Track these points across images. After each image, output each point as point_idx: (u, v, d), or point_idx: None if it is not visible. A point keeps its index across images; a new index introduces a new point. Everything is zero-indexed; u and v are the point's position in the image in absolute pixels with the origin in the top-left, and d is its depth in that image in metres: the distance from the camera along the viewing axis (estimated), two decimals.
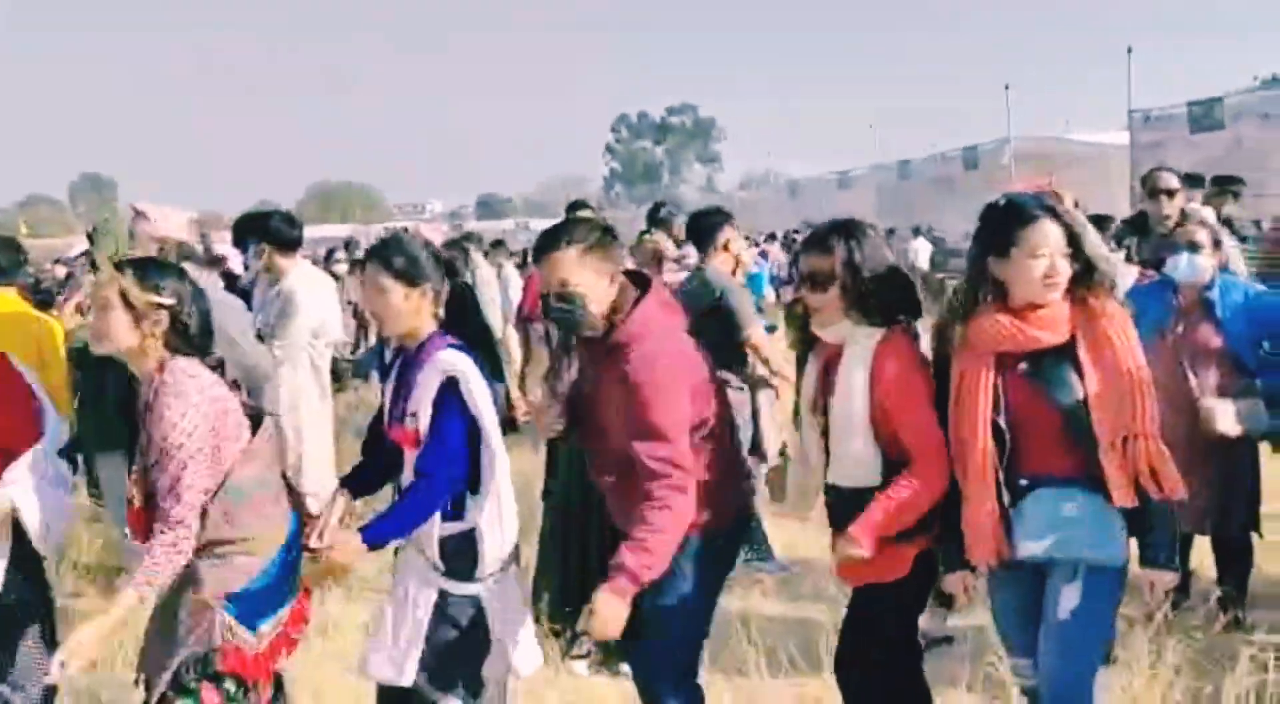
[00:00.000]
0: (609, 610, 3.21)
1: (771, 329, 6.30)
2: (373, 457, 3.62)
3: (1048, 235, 3.19)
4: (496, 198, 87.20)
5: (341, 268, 14.25)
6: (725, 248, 5.76)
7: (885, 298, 3.39)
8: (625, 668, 4.97)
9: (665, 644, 3.52)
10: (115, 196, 74.23)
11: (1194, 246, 4.95)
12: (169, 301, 3.21)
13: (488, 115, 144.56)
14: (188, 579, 3.19)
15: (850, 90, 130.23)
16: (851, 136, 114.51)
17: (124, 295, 3.18)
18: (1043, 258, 3.19)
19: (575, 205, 7.05)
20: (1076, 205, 4.73)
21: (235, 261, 7.13)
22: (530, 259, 13.89)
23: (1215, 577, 5.12)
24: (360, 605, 5.20)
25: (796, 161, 77.58)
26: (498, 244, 13.06)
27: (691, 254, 6.08)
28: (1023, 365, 3.23)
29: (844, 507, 3.38)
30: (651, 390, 3.30)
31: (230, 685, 3.25)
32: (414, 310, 3.40)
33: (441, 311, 3.45)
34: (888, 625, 3.50)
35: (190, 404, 3.10)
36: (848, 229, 3.43)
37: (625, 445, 3.34)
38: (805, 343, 3.58)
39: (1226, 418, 4.73)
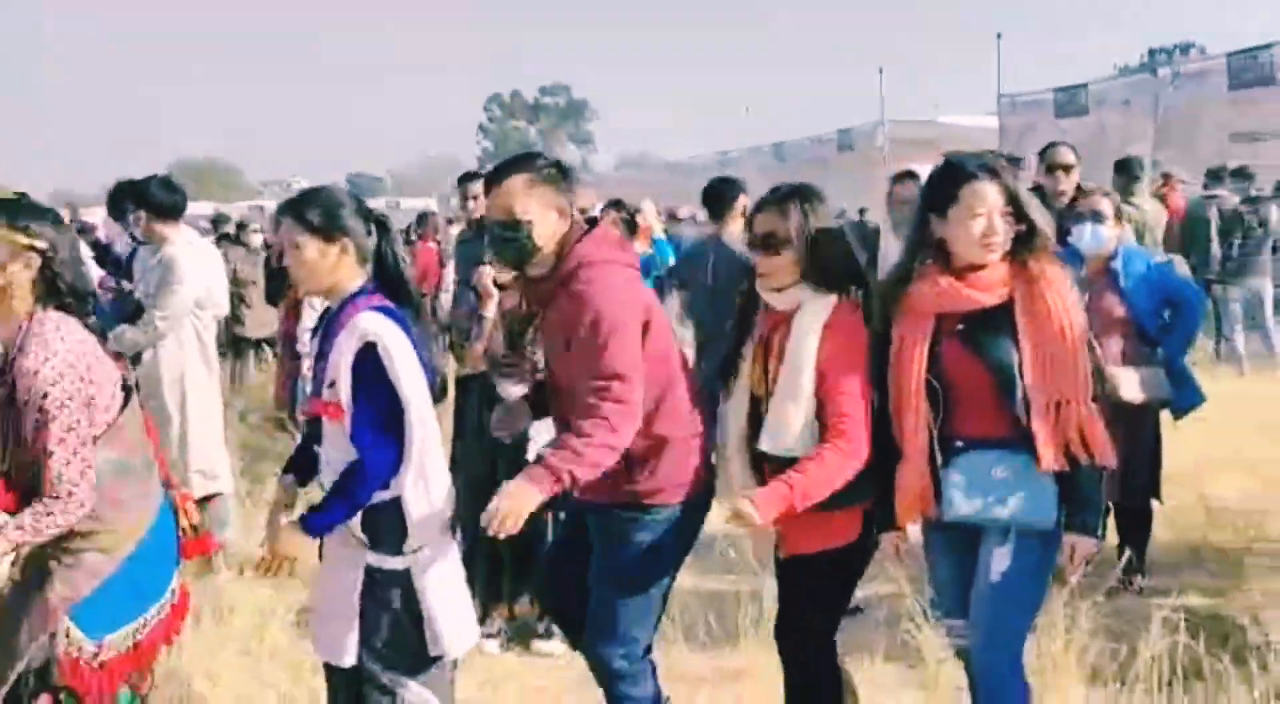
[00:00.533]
0: (518, 497, 3.13)
1: None
2: (310, 434, 3.39)
3: (985, 195, 3.16)
4: (366, 176, 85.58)
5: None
6: (741, 214, 5.85)
7: (839, 266, 3.35)
8: (539, 645, 4.86)
9: (623, 610, 3.42)
10: None
11: (1098, 217, 5.03)
12: (40, 245, 2.97)
13: (355, 93, 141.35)
14: (35, 580, 2.94)
15: (725, 73, 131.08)
16: (728, 119, 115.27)
17: None
18: (980, 217, 3.16)
19: (465, 177, 6.87)
20: None
21: (107, 232, 6.78)
22: (412, 237, 13.62)
23: (1117, 543, 5.22)
24: (254, 586, 4.96)
25: (673, 143, 77.94)
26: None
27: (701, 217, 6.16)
28: (960, 326, 3.20)
29: (775, 471, 3.29)
30: (605, 310, 3.25)
31: (65, 700, 2.99)
32: (331, 267, 3.14)
33: (369, 267, 3.19)
34: (832, 593, 3.45)
35: (51, 351, 2.87)
36: (804, 193, 3.39)
37: (581, 373, 3.25)
38: (749, 307, 3.49)
39: (1130, 386, 4.81)
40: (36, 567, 2.97)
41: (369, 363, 3.04)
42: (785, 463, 3.29)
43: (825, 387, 3.27)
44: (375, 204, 10.71)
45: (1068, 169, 5.96)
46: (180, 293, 5.43)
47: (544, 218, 3.37)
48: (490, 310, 4.93)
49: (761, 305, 3.47)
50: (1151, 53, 34.64)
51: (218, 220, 17.56)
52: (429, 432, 3.13)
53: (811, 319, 3.32)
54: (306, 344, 6.61)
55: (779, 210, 3.37)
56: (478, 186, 6.88)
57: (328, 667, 3.27)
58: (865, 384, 3.28)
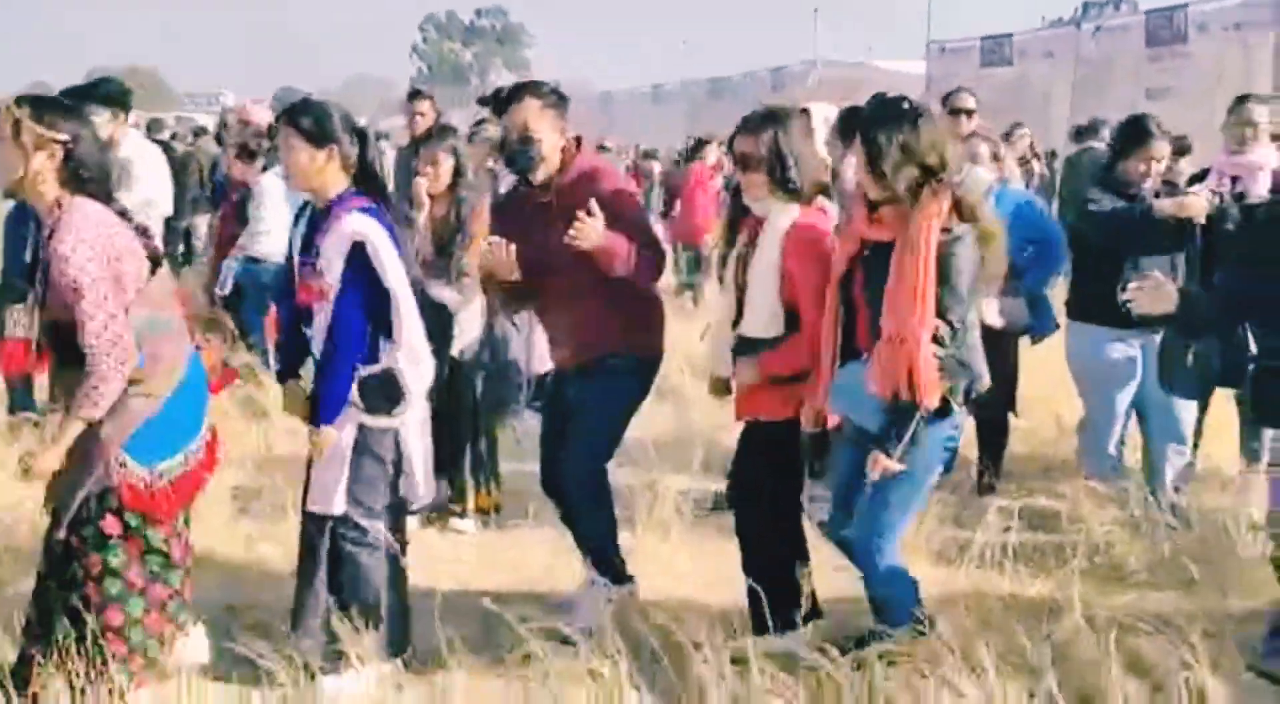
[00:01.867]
0: None
1: None
2: (289, 323, 3.91)
3: None
4: (295, 92, 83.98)
5: None
6: None
7: (804, 179, 3.88)
8: (456, 523, 5.38)
9: (591, 436, 4.17)
10: None
11: (974, 159, 5.58)
12: (62, 137, 3.32)
13: (282, 8, 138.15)
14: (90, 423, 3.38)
15: (663, 7, 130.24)
16: (663, 51, 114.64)
17: (16, 127, 3.28)
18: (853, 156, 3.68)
19: (413, 94, 7.30)
20: None
21: None
22: None
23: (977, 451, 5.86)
24: None
25: (608, 73, 77.65)
26: None
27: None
28: (866, 254, 3.71)
29: (750, 352, 3.94)
30: (626, 189, 4.21)
31: (132, 519, 3.47)
32: (319, 169, 3.64)
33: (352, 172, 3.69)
34: (779, 456, 4.01)
35: (80, 238, 3.24)
36: (776, 117, 3.93)
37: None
38: (735, 216, 4.10)
39: (991, 312, 5.39)
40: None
41: (359, 258, 3.57)
42: (758, 342, 3.91)
43: (791, 283, 3.86)
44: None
45: (969, 113, 6.53)
46: (135, 192, 5.79)
47: (551, 137, 4.12)
48: (421, 219, 5.38)
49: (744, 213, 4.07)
50: (1085, 6, 35.22)
51: (151, 126, 17.56)
52: (413, 316, 3.67)
53: (778, 224, 3.88)
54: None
55: (753, 133, 3.91)
56: (425, 105, 7.33)
57: (308, 516, 3.78)
58: (823, 279, 3.83)
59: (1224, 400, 5.82)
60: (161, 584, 3.54)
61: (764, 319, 3.92)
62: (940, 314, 3.54)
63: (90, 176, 3.37)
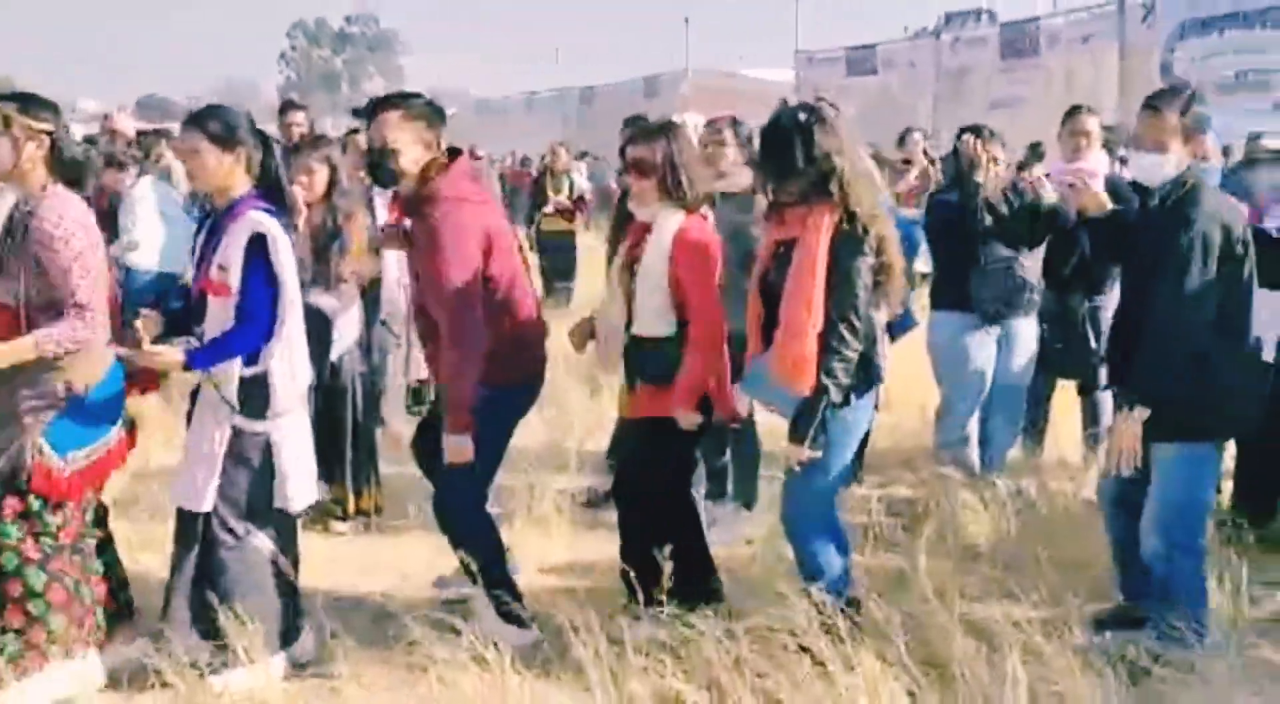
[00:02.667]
0: (456, 447, 3.99)
1: None
2: (182, 310, 3.98)
3: None
4: (159, 99, 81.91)
5: None
6: None
7: (693, 188, 4.13)
8: (336, 526, 5.48)
9: (458, 474, 4.12)
10: None
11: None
12: (49, 128, 3.64)
13: (144, 13, 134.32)
14: (6, 402, 3.57)
15: (537, 17, 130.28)
16: (537, 63, 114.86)
17: (6, 121, 3.59)
18: None
19: (286, 105, 7.34)
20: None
21: None
22: None
23: None
24: None
25: (483, 82, 77.35)
26: None
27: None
28: (779, 251, 3.93)
29: (641, 351, 4.16)
30: (446, 242, 3.95)
31: (34, 502, 3.64)
32: (226, 172, 3.76)
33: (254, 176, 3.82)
34: (670, 454, 4.23)
35: (66, 215, 3.62)
36: (669, 129, 4.20)
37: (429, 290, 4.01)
38: (621, 220, 4.32)
39: None
40: (8, 390, 3.60)
41: (259, 251, 3.69)
42: (647, 340, 4.12)
43: (680, 284, 4.08)
44: (172, 127, 10.50)
45: None
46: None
47: (412, 148, 4.06)
48: (300, 225, 5.46)
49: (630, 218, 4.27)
50: (947, 17, 36.37)
51: None
52: (298, 316, 3.79)
53: (666, 228, 4.10)
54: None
55: (648, 143, 4.13)
56: (299, 116, 7.38)
57: (181, 516, 3.85)
58: (710, 280, 4.12)
59: (1067, 391, 6.24)
60: (62, 561, 3.73)
61: (654, 319, 4.13)
62: (839, 313, 3.74)
63: (69, 165, 3.70)
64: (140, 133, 9.24)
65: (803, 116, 3.89)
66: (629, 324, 4.21)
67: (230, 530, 3.81)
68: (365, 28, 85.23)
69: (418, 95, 4.25)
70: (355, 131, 6.89)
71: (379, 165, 4.11)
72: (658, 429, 4.17)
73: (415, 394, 6.92)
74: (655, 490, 4.25)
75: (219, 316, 3.73)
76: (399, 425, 6.33)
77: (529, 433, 5.16)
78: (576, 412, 7.01)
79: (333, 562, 4.95)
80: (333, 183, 5.44)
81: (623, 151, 4.34)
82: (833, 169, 3.79)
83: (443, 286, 3.96)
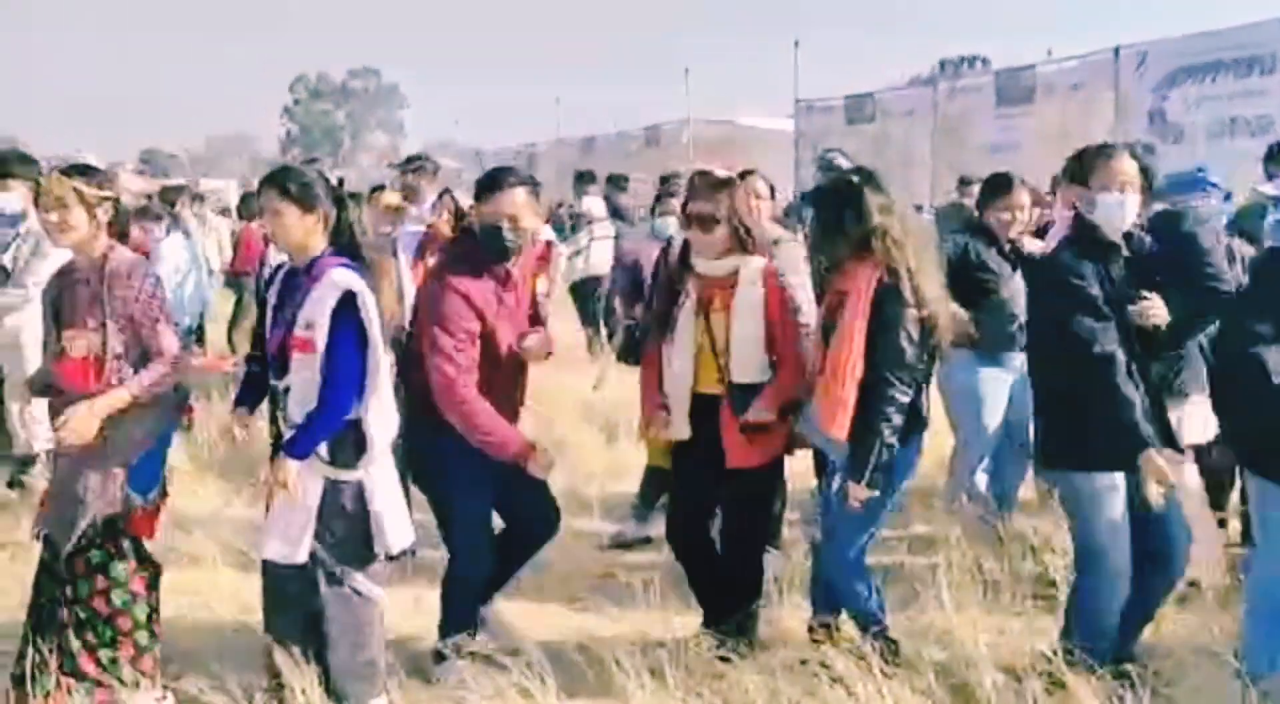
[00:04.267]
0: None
1: None
2: (254, 369, 4.16)
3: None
4: (160, 153, 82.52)
5: None
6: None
7: (755, 236, 4.36)
8: None
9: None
10: None
11: None
12: (111, 194, 3.95)
13: (143, 67, 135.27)
14: (99, 450, 3.84)
15: (535, 65, 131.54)
16: (536, 115, 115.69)
17: (78, 193, 3.88)
18: None
19: (311, 160, 7.51)
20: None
21: None
22: (238, 215, 13.89)
23: None
24: None
25: (482, 133, 78.17)
26: (200, 197, 13.02)
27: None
28: (837, 302, 4.14)
29: (743, 397, 4.26)
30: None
31: (126, 541, 3.98)
32: (307, 231, 3.86)
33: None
34: (769, 502, 4.47)
35: (144, 273, 3.99)
36: (730, 183, 4.39)
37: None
38: (680, 277, 4.39)
39: None
40: (100, 438, 3.87)
41: (349, 308, 3.78)
42: (748, 387, 4.25)
43: (775, 329, 4.30)
44: (174, 183, 10.64)
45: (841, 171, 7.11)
46: (51, 259, 5.92)
47: (536, 223, 4.41)
48: None
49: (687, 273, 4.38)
50: (942, 64, 36.76)
51: None
52: (384, 367, 3.89)
53: (754, 277, 4.30)
54: None
55: (712, 196, 4.31)
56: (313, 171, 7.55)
57: (272, 570, 3.90)
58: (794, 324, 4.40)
59: None
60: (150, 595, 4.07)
61: (755, 366, 4.30)
62: (884, 362, 3.96)
63: (124, 227, 4.06)
64: (165, 189, 9.48)
65: (855, 179, 4.17)
66: (718, 377, 4.30)
67: (328, 574, 3.85)
68: (366, 82, 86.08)
69: (530, 176, 4.42)
70: (381, 187, 7.09)
71: (502, 239, 4.22)
72: (761, 478, 4.39)
73: None
74: (759, 536, 4.46)
75: (304, 371, 3.80)
76: None
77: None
78: (595, 458, 7.15)
79: None
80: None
81: (684, 207, 4.47)
82: (878, 227, 4.04)
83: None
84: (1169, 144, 15.21)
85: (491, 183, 4.29)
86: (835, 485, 4.12)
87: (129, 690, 3.90)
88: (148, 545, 4.08)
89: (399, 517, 3.98)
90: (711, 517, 4.52)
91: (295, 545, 3.83)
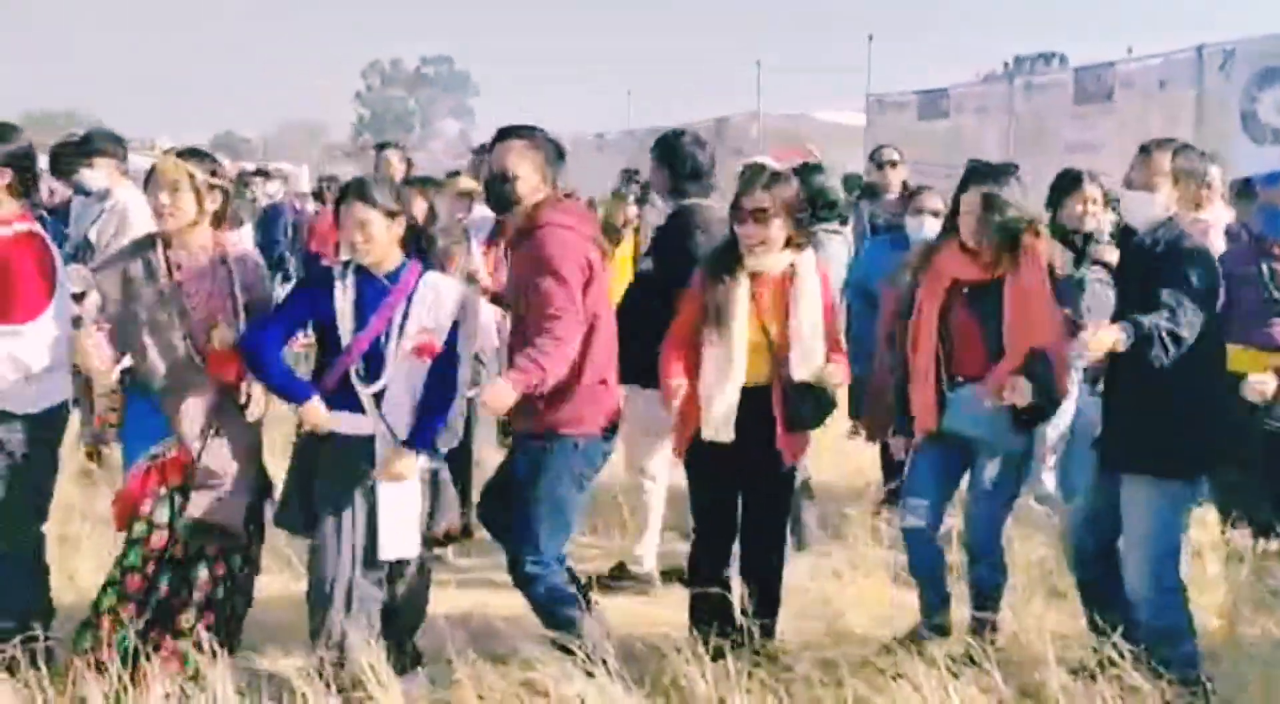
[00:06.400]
0: (499, 392, 3.98)
1: None
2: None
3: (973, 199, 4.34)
4: (235, 137, 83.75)
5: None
6: None
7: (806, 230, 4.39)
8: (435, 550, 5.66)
9: (536, 524, 4.18)
10: None
11: (936, 214, 6.03)
12: (222, 182, 3.96)
13: (219, 51, 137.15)
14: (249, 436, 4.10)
15: (606, 56, 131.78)
16: (608, 101, 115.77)
17: (191, 177, 3.85)
18: (969, 215, 4.35)
19: (382, 145, 7.63)
20: None
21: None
22: (315, 199, 13.96)
23: None
24: None
25: (553, 122, 78.19)
26: (267, 176, 13.04)
27: None
28: (965, 291, 4.25)
29: (805, 398, 4.24)
30: (551, 259, 4.09)
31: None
32: (391, 240, 3.95)
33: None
34: (789, 501, 4.51)
35: (256, 262, 4.21)
36: (783, 177, 4.44)
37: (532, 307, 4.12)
38: (726, 273, 4.31)
39: None
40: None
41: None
42: (803, 386, 4.24)
43: (828, 322, 4.34)
44: (246, 166, 10.85)
45: (894, 165, 7.08)
46: (131, 236, 6.05)
47: (529, 177, 4.21)
48: None
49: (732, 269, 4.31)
50: (1017, 60, 36.23)
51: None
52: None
53: (810, 272, 4.32)
54: None
55: (766, 189, 4.28)
56: (394, 155, 7.66)
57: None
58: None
59: None
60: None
61: (816, 362, 4.26)
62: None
63: (232, 215, 4.14)
64: (240, 173, 9.62)
65: (1009, 169, 4.42)
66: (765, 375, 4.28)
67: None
68: (438, 69, 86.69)
69: (540, 129, 4.36)
70: (456, 173, 7.15)
71: (497, 190, 4.25)
72: (789, 476, 4.44)
73: (504, 426, 7.11)
74: (782, 535, 4.49)
75: (412, 374, 3.95)
76: (489, 455, 6.52)
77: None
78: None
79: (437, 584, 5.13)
80: (430, 222, 5.67)
81: (738, 201, 4.36)
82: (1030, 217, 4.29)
83: (545, 306, 4.04)
84: (1266, 145, 14.84)
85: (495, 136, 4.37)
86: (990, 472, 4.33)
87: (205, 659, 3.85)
88: None
89: (454, 498, 4.19)
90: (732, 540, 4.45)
91: (412, 538, 3.97)
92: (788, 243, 4.29)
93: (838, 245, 5.55)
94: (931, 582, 4.47)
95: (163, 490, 3.96)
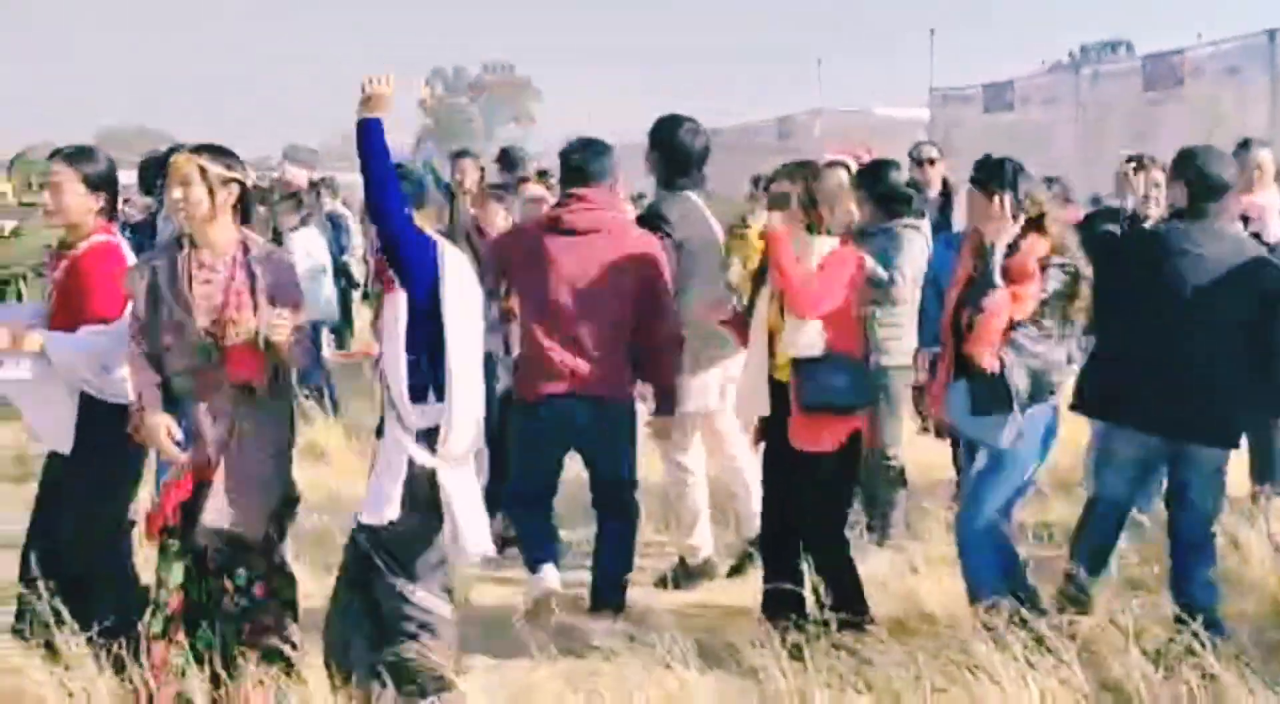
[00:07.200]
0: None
1: None
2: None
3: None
4: (303, 148, 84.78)
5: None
6: None
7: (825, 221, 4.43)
8: None
9: None
10: None
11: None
12: (238, 175, 3.83)
13: (286, 61, 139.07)
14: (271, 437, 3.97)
15: (664, 58, 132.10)
16: (667, 104, 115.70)
17: (202, 171, 3.76)
18: None
19: (459, 154, 7.75)
20: None
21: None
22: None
23: None
24: None
25: (614, 125, 78.56)
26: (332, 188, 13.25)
27: None
28: None
29: (805, 372, 4.32)
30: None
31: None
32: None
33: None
34: (838, 491, 4.52)
35: (282, 257, 4.08)
36: (805, 166, 4.59)
37: None
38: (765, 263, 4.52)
39: None
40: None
41: None
42: (805, 361, 4.31)
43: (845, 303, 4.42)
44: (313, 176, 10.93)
45: (932, 162, 7.08)
46: None
47: None
48: None
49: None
50: (1083, 49, 35.75)
51: None
52: None
53: (814, 257, 4.36)
54: None
55: (788, 179, 4.47)
56: (467, 163, 7.79)
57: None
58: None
59: None
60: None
61: (813, 342, 4.32)
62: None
63: (253, 211, 4.00)
64: (310, 182, 9.80)
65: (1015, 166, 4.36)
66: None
67: None
68: (500, 75, 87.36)
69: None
70: (525, 179, 7.25)
71: None
72: (827, 464, 4.40)
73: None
74: (830, 525, 4.47)
75: None
76: None
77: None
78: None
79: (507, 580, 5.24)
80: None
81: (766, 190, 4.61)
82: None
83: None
84: None
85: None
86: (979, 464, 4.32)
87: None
88: None
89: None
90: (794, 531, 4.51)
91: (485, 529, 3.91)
92: (814, 230, 4.40)
93: (915, 240, 5.51)
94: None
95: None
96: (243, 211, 3.89)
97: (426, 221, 3.88)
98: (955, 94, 27.20)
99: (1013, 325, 4.16)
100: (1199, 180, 4.37)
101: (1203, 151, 4.47)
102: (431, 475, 3.72)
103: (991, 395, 4.16)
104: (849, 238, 4.68)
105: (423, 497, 3.73)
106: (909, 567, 5.09)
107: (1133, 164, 5.56)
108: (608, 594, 4.73)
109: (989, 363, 4.12)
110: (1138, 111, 21.60)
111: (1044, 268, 4.17)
